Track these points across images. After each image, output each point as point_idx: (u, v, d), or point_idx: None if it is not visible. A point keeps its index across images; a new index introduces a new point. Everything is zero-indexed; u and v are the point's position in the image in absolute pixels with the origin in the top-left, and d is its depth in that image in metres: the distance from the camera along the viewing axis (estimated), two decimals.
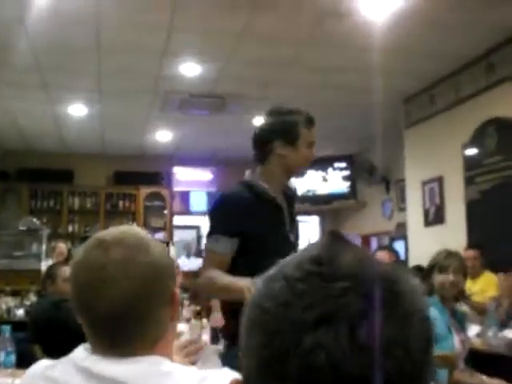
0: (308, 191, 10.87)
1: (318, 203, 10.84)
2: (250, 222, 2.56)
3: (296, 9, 5.13)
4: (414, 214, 7.50)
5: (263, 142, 2.69)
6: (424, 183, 7.32)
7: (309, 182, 10.89)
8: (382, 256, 4.51)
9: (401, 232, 8.62)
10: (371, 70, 6.36)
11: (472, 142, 6.43)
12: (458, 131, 6.61)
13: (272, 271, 0.64)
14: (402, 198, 8.66)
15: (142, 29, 5.52)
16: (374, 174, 10.01)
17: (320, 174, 10.81)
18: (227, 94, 7.35)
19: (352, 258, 0.61)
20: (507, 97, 5.92)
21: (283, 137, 2.64)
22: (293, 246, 2.71)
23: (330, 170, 10.77)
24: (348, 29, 5.49)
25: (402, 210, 8.57)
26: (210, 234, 2.64)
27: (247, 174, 2.76)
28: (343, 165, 10.79)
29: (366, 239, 10.18)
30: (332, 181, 10.81)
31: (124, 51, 6.03)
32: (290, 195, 2.81)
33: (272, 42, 5.84)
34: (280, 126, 2.66)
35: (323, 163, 10.68)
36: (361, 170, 10.39)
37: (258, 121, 8.44)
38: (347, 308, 0.56)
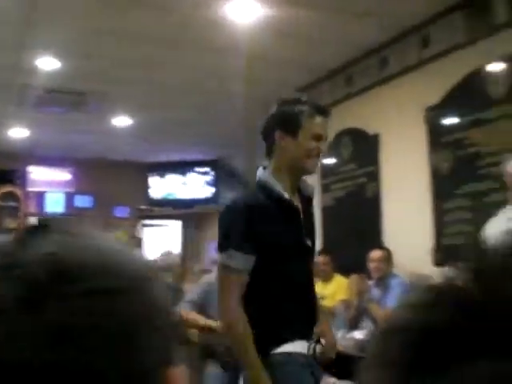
0: (169, 194, 10.81)
1: (180, 207, 10.79)
2: (268, 230, 2.40)
3: (162, 9, 5.06)
4: None
5: (266, 133, 2.58)
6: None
7: (169, 186, 10.84)
8: None
9: None
10: (235, 75, 6.41)
11: (328, 151, 6.64)
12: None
13: None
14: None
15: None
16: (236, 178, 10.10)
17: (180, 178, 10.79)
18: (87, 92, 7.12)
19: (41, 245, 0.55)
20: (362, 109, 6.18)
21: (282, 126, 2.51)
22: (310, 250, 2.57)
23: (190, 174, 10.77)
24: (212, 33, 5.48)
25: None
26: (225, 249, 2.39)
27: (260, 171, 2.58)
28: (206, 169, 10.82)
29: None
30: (194, 185, 10.80)
31: None
32: (306, 196, 2.65)
33: (136, 41, 5.72)
34: (280, 116, 2.55)
35: (183, 167, 10.68)
36: (224, 175, 10.45)
37: (119, 120, 8.27)
38: (6, 296, 0.51)
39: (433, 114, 5.27)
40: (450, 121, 5.17)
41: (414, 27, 5.42)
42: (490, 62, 4.79)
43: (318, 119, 2.53)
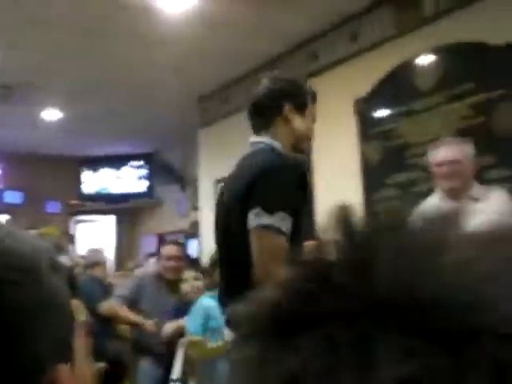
0: (102, 189, 10.65)
1: (113, 202, 10.65)
2: (302, 198, 2.24)
3: None
4: (206, 212, 7.60)
5: (269, 104, 2.39)
6: (217, 182, 7.44)
7: (102, 180, 10.68)
8: (170, 250, 4.53)
9: (195, 230, 8.71)
10: (167, 67, 6.34)
11: None
12: (250, 131, 6.79)
13: None
14: (197, 197, 8.75)
15: None
16: (171, 172, 10.03)
17: (114, 172, 10.65)
18: (14, 84, 6.92)
19: None
20: None
21: (293, 101, 2.37)
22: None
23: (125, 168, 10.64)
24: (143, 23, 5.41)
25: (197, 208, 8.67)
26: (277, 211, 2.12)
27: (267, 140, 2.35)
28: (140, 163, 10.71)
29: (161, 238, 10.17)
30: (128, 179, 10.67)
31: None
32: None
33: (62, 32, 5.59)
34: (291, 90, 2.40)
35: (118, 161, 10.54)
36: (158, 169, 10.37)
37: (48, 113, 8.07)
38: None
39: (362, 106, 5.33)
40: (380, 112, 5.25)
41: (343, 20, 5.47)
42: (418, 54, 4.88)
43: (315, 105, 2.48)
